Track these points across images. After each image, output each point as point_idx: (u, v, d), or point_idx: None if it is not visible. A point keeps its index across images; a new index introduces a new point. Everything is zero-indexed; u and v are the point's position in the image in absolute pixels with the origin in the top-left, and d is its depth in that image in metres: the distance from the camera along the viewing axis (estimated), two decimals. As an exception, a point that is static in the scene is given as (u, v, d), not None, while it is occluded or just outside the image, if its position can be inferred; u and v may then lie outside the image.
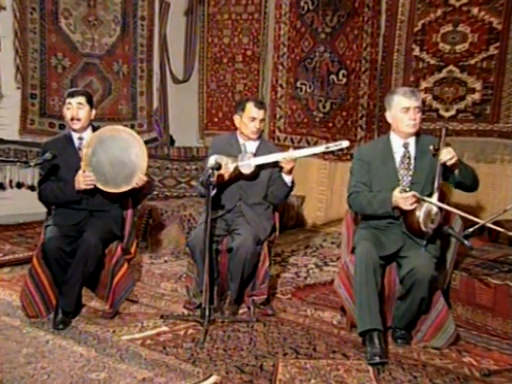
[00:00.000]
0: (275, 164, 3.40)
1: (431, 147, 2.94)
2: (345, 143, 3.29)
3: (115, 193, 3.27)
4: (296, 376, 2.60)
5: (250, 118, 3.41)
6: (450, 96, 4.88)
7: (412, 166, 3.04)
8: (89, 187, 3.20)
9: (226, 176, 3.31)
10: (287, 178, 3.36)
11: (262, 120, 3.46)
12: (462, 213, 2.92)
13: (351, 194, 3.13)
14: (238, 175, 3.37)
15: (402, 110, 2.99)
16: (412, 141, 3.07)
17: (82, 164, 3.20)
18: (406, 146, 3.06)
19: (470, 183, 3.01)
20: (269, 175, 3.46)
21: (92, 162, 3.20)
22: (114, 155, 3.24)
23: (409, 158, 3.05)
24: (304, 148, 3.72)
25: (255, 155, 3.42)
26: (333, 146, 3.29)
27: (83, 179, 3.19)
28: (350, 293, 2.97)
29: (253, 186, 3.43)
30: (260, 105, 3.46)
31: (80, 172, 3.20)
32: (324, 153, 3.39)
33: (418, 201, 2.87)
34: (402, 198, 2.87)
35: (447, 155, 2.87)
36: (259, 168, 3.40)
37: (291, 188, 3.42)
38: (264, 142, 3.61)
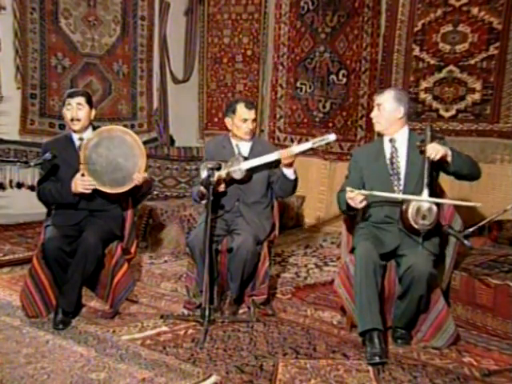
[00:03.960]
0: (270, 164, 3.40)
1: (418, 143, 2.98)
2: (331, 137, 3.27)
3: (111, 193, 3.27)
4: (296, 376, 2.60)
5: (241, 120, 3.41)
6: (450, 96, 4.88)
7: (404, 162, 3.06)
8: (87, 191, 3.20)
9: (222, 187, 3.31)
10: (288, 172, 3.34)
11: (254, 120, 3.46)
12: (441, 199, 2.96)
13: (338, 192, 3.19)
14: (230, 180, 3.37)
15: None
16: (400, 137, 3.10)
17: (81, 156, 3.19)
18: (391, 141, 3.11)
19: (466, 171, 2.98)
20: (267, 173, 3.46)
21: (91, 156, 3.20)
22: (114, 155, 3.23)
23: (396, 152, 3.08)
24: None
25: (248, 157, 3.41)
26: (319, 141, 3.28)
27: (81, 183, 3.18)
28: (350, 293, 2.97)
29: (251, 184, 3.43)
30: (250, 105, 3.46)
31: (78, 175, 3.19)
32: (313, 149, 3.37)
33: (366, 197, 2.92)
34: (349, 198, 2.93)
35: (432, 151, 2.87)
36: (252, 170, 3.40)
37: (295, 181, 3.39)
38: (258, 141, 3.60)
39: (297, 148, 3.26)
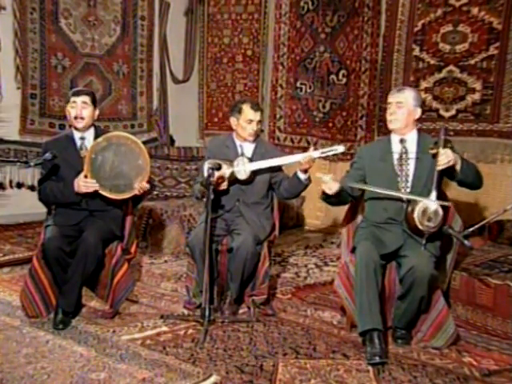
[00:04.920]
0: (272, 168, 3.40)
1: (430, 146, 2.96)
2: (340, 148, 3.26)
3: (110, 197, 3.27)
4: (296, 376, 2.60)
5: (247, 121, 3.40)
6: (450, 96, 4.88)
7: (413, 163, 3.05)
8: (89, 191, 3.20)
9: (224, 185, 3.31)
10: (303, 176, 3.33)
11: (259, 122, 3.46)
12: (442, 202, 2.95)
13: None
14: (234, 180, 3.37)
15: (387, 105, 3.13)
16: (410, 138, 3.09)
17: (86, 157, 3.19)
18: (402, 141, 3.09)
19: (471, 180, 2.98)
20: (269, 175, 3.46)
21: (97, 158, 3.20)
22: (119, 162, 3.23)
23: (406, 153, 3.07)
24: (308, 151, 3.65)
25: (252, 158, 3.42)
26: (328, 151, 3.28)
27: (84, 184, 3.18)
28: (350, 293, 2.97)
29: (252, 185, 3.43)
30: (256, 107, 3.46)
31: (81, 176, 3.19)
32: (316, 148, 3.40)
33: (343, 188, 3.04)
34: (323, 183, 3.01)
35: (444, 159, 2.85)
36: (255, 172, 3.39)
37: (307, 185, 3.40)
38: (261, 143, 3.59)
39: (316, 153, 3.26)
